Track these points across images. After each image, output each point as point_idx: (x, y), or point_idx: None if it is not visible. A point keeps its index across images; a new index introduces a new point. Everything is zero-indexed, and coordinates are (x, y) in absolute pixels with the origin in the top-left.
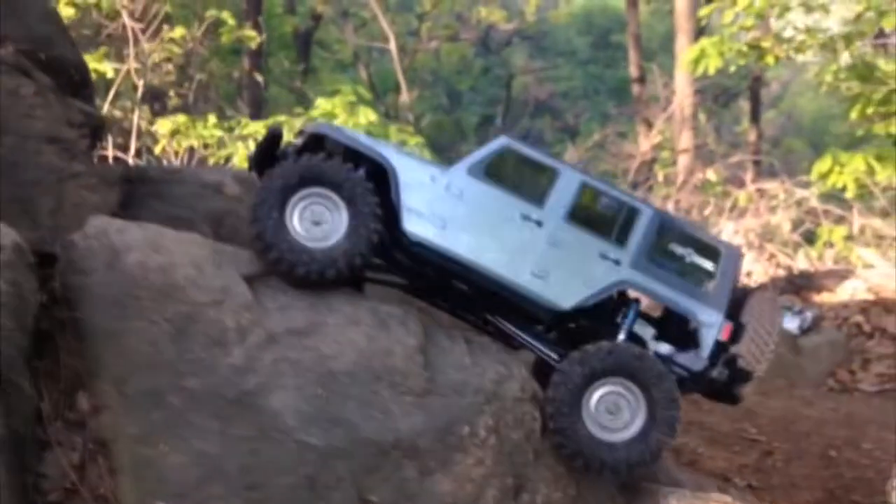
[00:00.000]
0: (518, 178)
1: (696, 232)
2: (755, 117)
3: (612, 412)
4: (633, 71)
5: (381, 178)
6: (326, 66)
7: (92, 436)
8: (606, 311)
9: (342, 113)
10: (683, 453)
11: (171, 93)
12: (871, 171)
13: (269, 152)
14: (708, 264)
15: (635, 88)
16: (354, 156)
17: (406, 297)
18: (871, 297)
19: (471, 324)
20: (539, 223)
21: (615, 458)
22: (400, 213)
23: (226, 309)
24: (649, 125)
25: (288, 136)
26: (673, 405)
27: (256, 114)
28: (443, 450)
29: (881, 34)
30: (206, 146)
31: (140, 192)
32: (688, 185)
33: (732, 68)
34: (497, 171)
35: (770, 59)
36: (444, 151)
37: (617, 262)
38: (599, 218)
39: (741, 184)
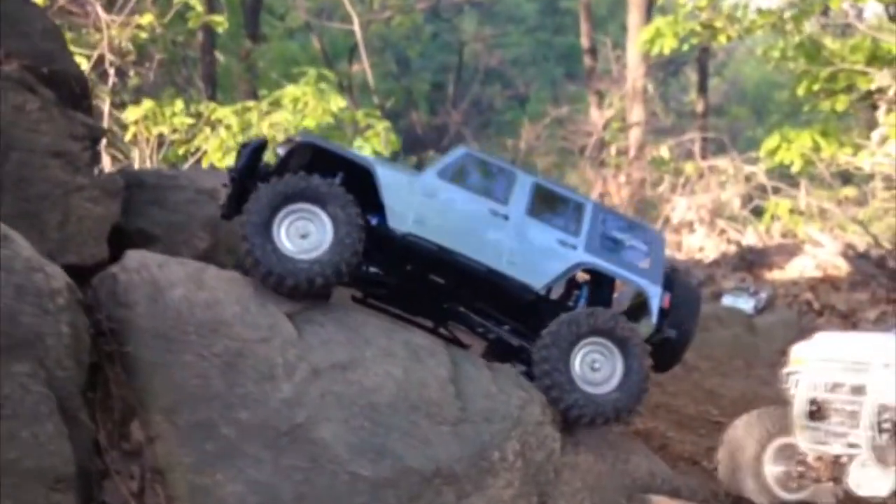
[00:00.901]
0: (482, 180)
1: (629, 219)
2: (703, 88)
3: (595, 368)
4: (585, 42)
5: (358, 184)
6: (276, 34)
7: (148, 465)
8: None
9: (312, 99)
10: (654, 437)
11: (132, 73)
12: (816, 148)
13: (253, 162)
14: (643, 246)
15: (587, 60)
16: (332, 163)
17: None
18: (819, 273)
19: (431, 328)
20: (506, 217)
21: (603, 407)
22: (386, 213)
23: (274, 345)
24: (601, 97)
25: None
26: (644, 355)
27: (212, 87)
28: (477, 474)
29: (826, 12)
30: (174, 131)
31: (139, 199)
32: (639, 159)
33: (686, 47)
34: (462, 175)
35: (723, 39)
36: (395, 119)
37: (574, 248)
38: (553, 211)
39: (690, 155)
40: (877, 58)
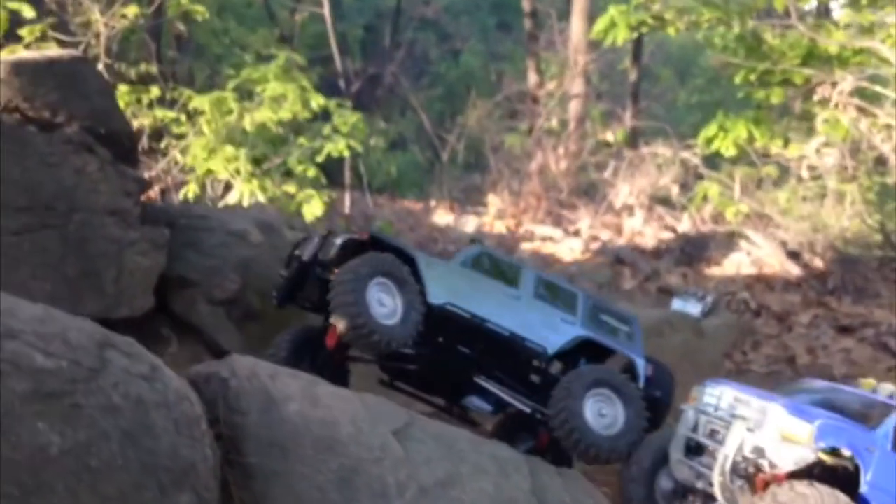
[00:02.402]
0: (495, 269)
1: (613, 306)
2: (637, 58)
3: (602, 415)
4: (526, 5)
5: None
6: None
7: None
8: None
9: (291, 94)
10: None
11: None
12: (751, 139)
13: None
14: (624, 327)
15: (527, 24)
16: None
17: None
18: (755, 270)
19: (445, 406)
20: (518, 298)
21: (615, 446)
22: (426, 291)
23: (386, 465)
24: (539, 61)
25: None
26: (640, 402)
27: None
28: None
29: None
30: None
31: (174, 242)
32: (578, 132)
33: (635, 35)
34: (479, 265)
35: (672, 31)
36: (325, 63)
37: (574, 324)
38: (553, 297)
39: (621, 121)
40: (813, 56)
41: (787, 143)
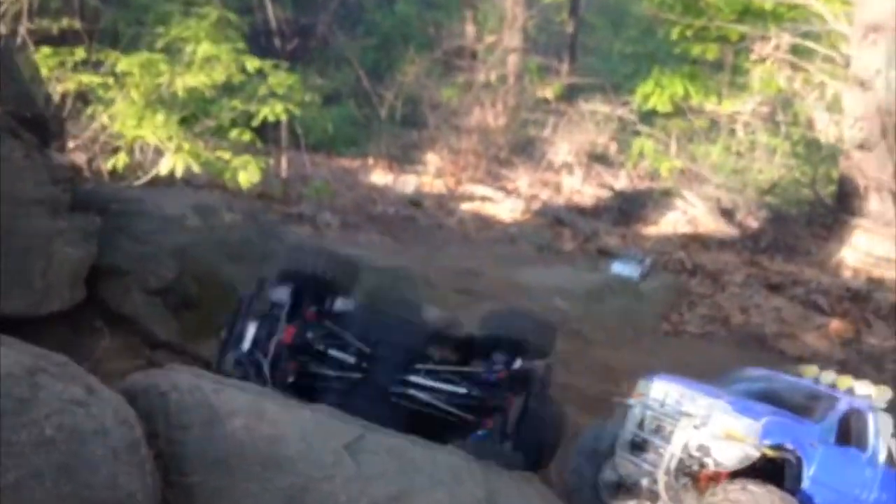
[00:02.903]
0: None
1: None
2: (574, 10)
3: None
4: None
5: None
6: None
7: None
8: None
9: (225, 56)
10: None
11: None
12: (687, 95)
13: None
14: None
15: None
16: None
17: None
18: (690, 230)
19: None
20: None
21: None
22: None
23: (337, 482)
24: (476, 13)
25: None
26: None
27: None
28: None
29: None
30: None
31: (105, 229)
32: (515, 87)
33: None
34: None
35: None
36: (253, 13)
37: None
38: None
39: (558, 74)
40: (748, 12)
41: (720, 99)
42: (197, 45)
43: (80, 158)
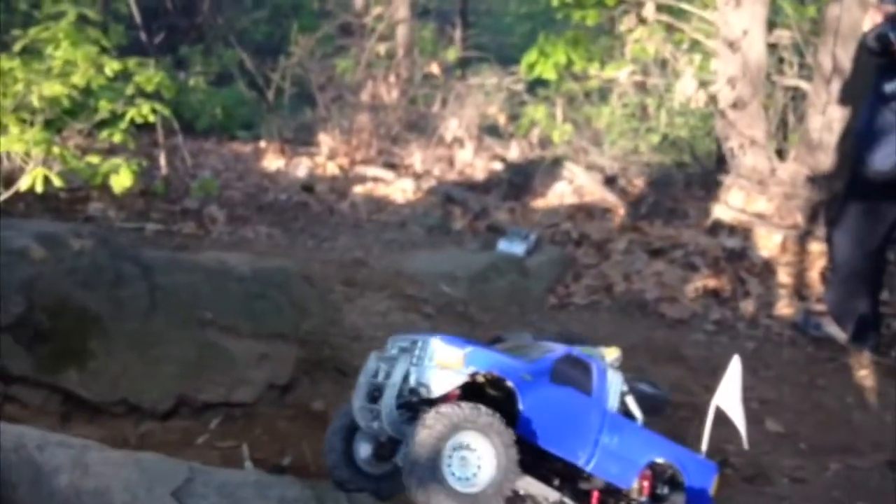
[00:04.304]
0: None
1: None
2: None
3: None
4: None
5: None
6: None
7: None
8: None
9: (83, 62)
10: None
11: None
12: (570, 62)
13: None
14: None
15: None
16: None
17: None
18: (576, 200)
19: None
20: None
21: None
22: None
23: None
24: None
25: None
26: None
27: None
28: None
29: None
30: None
31: None
32: (406, 59)
33: None
34: None
35: None
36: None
37: None
38: None
39: (451, 42)
40: None
41: (602, 64)
42: (55, 48)
43: None
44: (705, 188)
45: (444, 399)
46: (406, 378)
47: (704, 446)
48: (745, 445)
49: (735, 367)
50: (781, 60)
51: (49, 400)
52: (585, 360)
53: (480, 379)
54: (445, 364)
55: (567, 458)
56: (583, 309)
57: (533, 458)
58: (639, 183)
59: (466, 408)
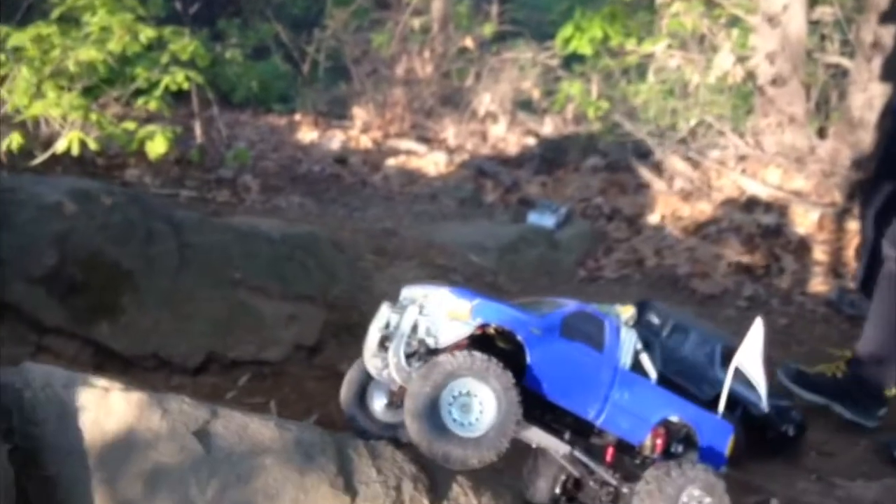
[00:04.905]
0: None
1: None
2: None
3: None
4: None
5: None
6: None
7: None
8: None
9: (118, 28)
10: None
11: None
12: (606, 38)
13: None
14: None
15: None
16: None
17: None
18: (609, 174)
19: None
20: None
21: None
22: None
23: (186, 466)
24: None
25: None
26: None
27: None
28: None
29: None
30: None
31: None
32: (442, 33)
33: None
34: None
35: None
36: None
37: None
38: None
39: (488, 17)
40: None
41: (640, 40)
42: (92, 15)
43: None
44: (743, 163)
45: (453, 350)
46: (415, 328)
47: (721, 406)
48: (765, 408)
49: (757, 328)
50: (823, 38)
51: (82, 351)
52: (598, 317)
53: (491, 331)
54: (454, 315)
55: (576, 411)
56: (613, 283)
57: (543, 411)
58: (674, 157)
59: (461, 355)
